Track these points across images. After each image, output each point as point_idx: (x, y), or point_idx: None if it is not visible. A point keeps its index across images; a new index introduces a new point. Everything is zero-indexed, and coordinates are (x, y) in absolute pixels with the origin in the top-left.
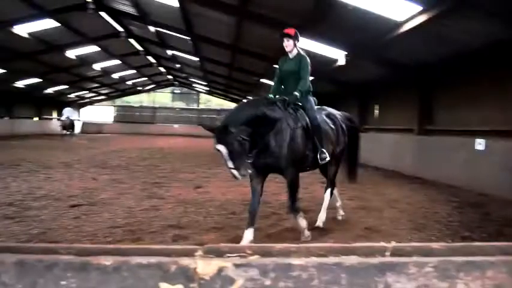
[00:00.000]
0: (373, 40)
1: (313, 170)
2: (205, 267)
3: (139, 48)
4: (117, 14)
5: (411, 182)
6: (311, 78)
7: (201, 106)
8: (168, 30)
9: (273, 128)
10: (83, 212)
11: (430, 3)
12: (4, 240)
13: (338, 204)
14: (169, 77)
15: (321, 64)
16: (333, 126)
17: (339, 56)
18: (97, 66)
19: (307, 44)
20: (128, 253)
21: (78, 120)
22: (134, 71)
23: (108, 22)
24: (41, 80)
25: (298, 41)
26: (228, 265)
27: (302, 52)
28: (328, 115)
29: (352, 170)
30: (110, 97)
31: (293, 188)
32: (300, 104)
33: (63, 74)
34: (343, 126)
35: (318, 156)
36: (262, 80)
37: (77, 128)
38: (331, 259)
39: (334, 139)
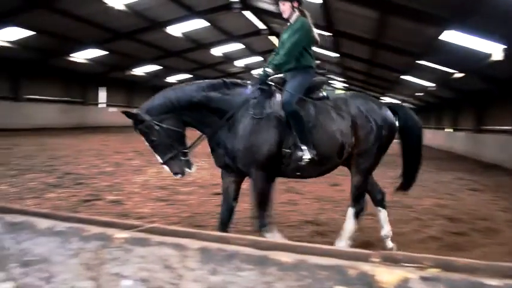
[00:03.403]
0: None
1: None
2: (386, 275)
3: None
4: (259, 12)
5: None
6: (460, 74)
7: None
8: None
9: (225, 117)
10: None
11: None
12: (158, 220)
13: (384, 232)
14: None
15: (471, 59)
16: (344, 115)
17: (493, 50)
18: (240, 63)
19: (456, 38)
20: (304, 251)
21: None
22: None
23: (250, 20)
24: (190, 75)
25: (298, 2)
26: (412, 277)
27: (307, 15)
28: (345, 103)
29: (408, 177)
30: None
31: (258, 196)
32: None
33: (209, 70)
34: (375, 120)
35: (293, 156)
36: (403, 77)
37: None
38: None
39: (347, 135)
